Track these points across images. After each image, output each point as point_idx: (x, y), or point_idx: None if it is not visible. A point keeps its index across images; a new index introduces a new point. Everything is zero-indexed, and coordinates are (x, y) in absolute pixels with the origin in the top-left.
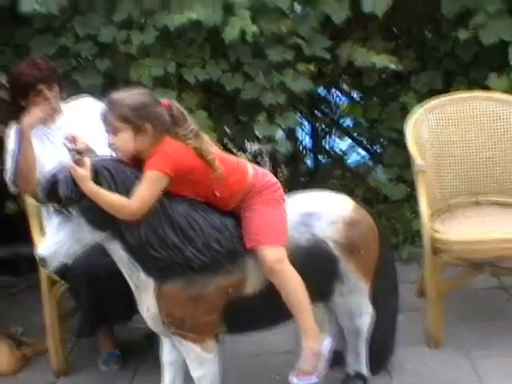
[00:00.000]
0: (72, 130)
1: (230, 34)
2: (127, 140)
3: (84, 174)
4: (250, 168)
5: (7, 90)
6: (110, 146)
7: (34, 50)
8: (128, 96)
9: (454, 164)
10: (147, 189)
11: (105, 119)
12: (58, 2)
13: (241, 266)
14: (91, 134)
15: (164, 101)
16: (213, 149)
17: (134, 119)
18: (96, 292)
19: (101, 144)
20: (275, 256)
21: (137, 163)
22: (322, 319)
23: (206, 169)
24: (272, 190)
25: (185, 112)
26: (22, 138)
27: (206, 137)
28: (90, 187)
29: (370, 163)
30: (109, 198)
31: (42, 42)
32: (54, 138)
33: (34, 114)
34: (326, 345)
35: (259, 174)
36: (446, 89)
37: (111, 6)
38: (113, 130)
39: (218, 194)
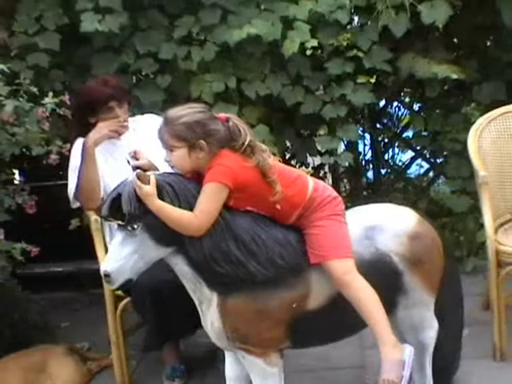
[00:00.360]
0: (135, 147)
1: (290, 48)
2: (182, 157)
3: (149, 190)
4: (311, 182)
5: (73, 108)
6: (167, 162)
7: (95, 68)
8: (183, 113)
9: None
10: (209, 201)
11: (160, 136)
12: (119, 21)
13: (304, 281)
14: (153, 151)
15: (221, 115)
16: (271, 161)
17: (188, 137)
18: (160, 307)
19: (164, 162)
20: (344, 268)
21: (198, 176)
22: None
23: (264, 182)
24: (333, 205)
25: (242, 125)
26: (86, 154)
27: (264, 149)
28: (156, 203)
29: (431, 175)
30: (174, 214)
31: (102, 59)
32: (117, 155)
33: (100, 130)
34: (408, 353)
35: (320, 189)
36: (509, 99)
37: (171, 23)
38: (168, 147)
39: (278, 207)
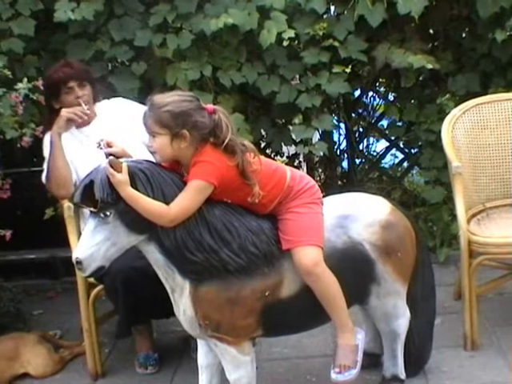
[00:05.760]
0: (106, 134)
1: (266, 37)
2: (164, 145)
3: (122, 178)
4: (288, 171)
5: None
6: (149, 148)
7: (70, 55)
8: (169, 101)
9: (491, 167)
10: (190, 198)
11: (144, 121)
12: (94, 8)
13: (277, 269)
14: (125, 136)
15: (209, 106)
16: (255, 162)
17: (171, 125)
18: (133, 295)
19: (135, 146)
20: (311, 259)
21: (176, 166)
22: (358, 321)
23: (244, 182)
24: (310, 193)
25: (227, 122)
26: (52, 143)
27: (246, 149)
28: (129, 192)
29: (406, 165)
30: (147, 204)
31: (77, 46)
32: (88, 142)
33: (61, 117)
34: (360, 338)
35: (297, 178)
36: (484, 90)
37: (146, 10)
38: (151, 133)
39: (257, 201)
